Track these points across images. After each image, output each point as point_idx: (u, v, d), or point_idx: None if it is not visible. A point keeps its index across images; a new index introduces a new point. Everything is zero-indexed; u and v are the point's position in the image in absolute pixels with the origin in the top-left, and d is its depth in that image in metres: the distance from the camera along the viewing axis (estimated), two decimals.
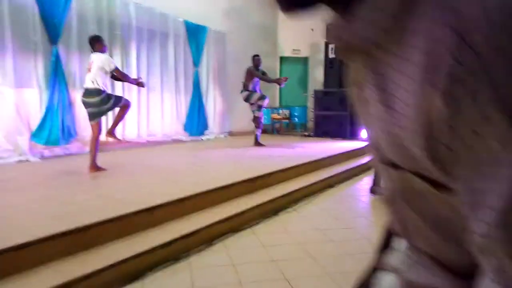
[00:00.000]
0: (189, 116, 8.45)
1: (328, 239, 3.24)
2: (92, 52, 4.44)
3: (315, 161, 5.52)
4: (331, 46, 9.01)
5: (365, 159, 6.68)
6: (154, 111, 7.85)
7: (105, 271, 2.32)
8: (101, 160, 4.44)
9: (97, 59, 4.32)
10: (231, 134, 9.50)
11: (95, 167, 4.34)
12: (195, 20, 8.39)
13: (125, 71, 7.27)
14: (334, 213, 4.03)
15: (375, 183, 4.76)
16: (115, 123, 4.76)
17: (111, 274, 2.35)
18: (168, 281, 2.43)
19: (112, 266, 2.36)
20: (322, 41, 9.70)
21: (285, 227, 3.51)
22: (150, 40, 7.70)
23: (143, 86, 5.03)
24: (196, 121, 8.53)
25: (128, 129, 7.36)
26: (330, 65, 9.14)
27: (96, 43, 4.44)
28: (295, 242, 3.13)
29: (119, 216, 2.75)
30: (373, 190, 4.76)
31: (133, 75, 7.39)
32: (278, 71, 11.40)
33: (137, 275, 2.45)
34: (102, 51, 4.44)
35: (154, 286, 2.36)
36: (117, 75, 4.54)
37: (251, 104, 7.09)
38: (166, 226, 2.94)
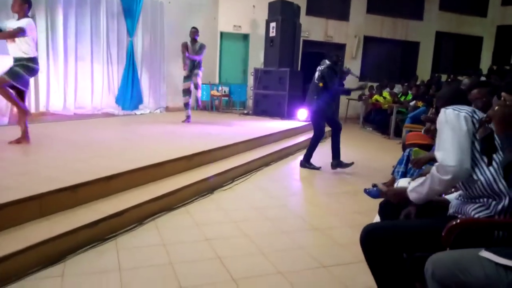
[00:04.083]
0: (122, 88, 8.00)
1: (263, 217, 3.25)
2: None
3: (253, 139, 5.52)
4: (272, 24, 8.96)
5: (300, 138, 6.82)
6: (83, 81, 7.32)
7: (22, 254, 2.11)
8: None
9: None
10: (167, 109, 9.18)
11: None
12: None
13: (50, 38, 6.67)
14: (270, 191, 4.06)
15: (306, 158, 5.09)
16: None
17: (28, 257, 2.15)
18: (92, 263, 2.28)
19: (30, 248, 2.16)
20: (263, 19, 9.60)
21: (220, 205, 3.47)
22: (79, 6, 7.10)
23: None
24: (129, 94, 8.09)
25: (53, 100, 6.81)
26: (270, 43, 9.09)
27: None
28: (230, 221, 3.10)
29: (39, 194, 2.52)
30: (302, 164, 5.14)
31: (59, 42, 6.81)
32: (218, 47, 11.15)
33: (58, 258, 2.27)
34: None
35: (76, 269, 2.20)
36: None
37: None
38: (92, 205, 2.74)
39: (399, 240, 1.61)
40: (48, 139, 4.50)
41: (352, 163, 4.95)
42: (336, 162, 4.95)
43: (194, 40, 6.69)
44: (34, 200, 2.47)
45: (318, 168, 5.03)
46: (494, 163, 1.51)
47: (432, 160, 2.39)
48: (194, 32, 6.71)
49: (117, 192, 3.02)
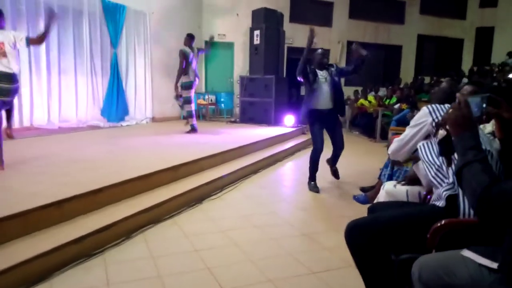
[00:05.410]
0: (107, 100, 7.93)
1: (252, 225, 3.25)
2: None
3: (241, 147, 5.52)
4: (256, 32, 9.01)
5: (288, 145, 6.84)
6: (67, 94, 7.25)
7: (6, 273, 2.07)
8: (8, 148, 3.93)
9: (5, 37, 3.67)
10: (154, 120, 9.13)
11: None
12: None
13: (32, 51, 6.58)
14: (258, 198, 4.06)
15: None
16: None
17: (13, 276, 2.11)
18: (79, 279, 2.25)
19: (14, 267, 2.12)
20: (247, 27, 9.65)
21: (208, 215, 3.45)
22: (61, 18, 7.03)
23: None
24: (115, 106, 8.02)
25: (37, 114, 6.72)
26: (255, 51, 9.13)
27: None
28: (219, 230, 3.09)
29: (24, 211, 2.48)
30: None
31: (41, 55, 6.74)
32: (203, 56, 11.16)
33: (44, 276, 2.23)
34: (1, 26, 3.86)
35: (63, 287, 2.16)
36: (35, 42, 3.87)
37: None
38: (78, 220, 2.71)
39: (382, 231, 1.64)
40: (32, 154, 4.43)
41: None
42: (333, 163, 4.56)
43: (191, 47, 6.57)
44: (18, 217, 2.43)
45: (317, 191, 4.30)
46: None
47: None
48: (186, 38, 6.59)
49: (104, 206, 2.99)
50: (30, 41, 3.78)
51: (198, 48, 6.75)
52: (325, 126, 4.31)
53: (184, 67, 6.42)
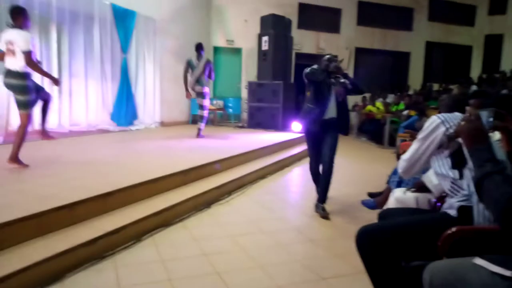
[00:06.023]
0: (117, 104, 8.01)
1: (260, 230, 3.26)
2: (12, 27, 3.77)
3: (248, 152, 5.54)
4: (264, 38, 9.07)
5: (295, 150, 6.85)
6: (78, 98, 7.34)
7: (21, 273, 2.11)
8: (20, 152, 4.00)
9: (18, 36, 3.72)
10: (162, 124, 9.20)
11: (16, 160, 3.88)
12: (123, 4, 7.94)
13: (43, 55, 6.67)
14: (266, 204, 4.07)
15: None
16: (43, 121, 4.32)
17: (27, 277, 2.14)
18: (91, 281, 2.28)
19: (29, 267, 2.16)
20: (255, 33, 9.72)
21: (217, 220, 3.47)
22: (72, 22, 7.15)
23: (57, 84, 4.32)
24: (124, 110, 8.09)
25: (48, 117, 6.79)
26: (263, 57, 9.19)
27: (20, 16, 3.79)
28: (227, 235, 3.11)
29: (37, 213, 2.52)
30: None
31: (53, 58, 6.83)
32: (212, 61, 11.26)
33: (57, 277, 2.26)
34: (25, 26, 3.84)
35: (76, 287, 2.20)
36: (30, 63, 3.76)
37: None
38: (89, 223, 2.74)
39: (393, 238, 1.65)
40: (44, 157, 4.49)
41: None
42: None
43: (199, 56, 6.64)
44: (32, 219, 2.47)
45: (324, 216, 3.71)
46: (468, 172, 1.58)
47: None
48: (196, 48, 6.69)
49: (115, 209, 3.03)
50: (25, 57, 3.73)
51: (208, 60, 6.75)
52: (322, 138, 3.81)
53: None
